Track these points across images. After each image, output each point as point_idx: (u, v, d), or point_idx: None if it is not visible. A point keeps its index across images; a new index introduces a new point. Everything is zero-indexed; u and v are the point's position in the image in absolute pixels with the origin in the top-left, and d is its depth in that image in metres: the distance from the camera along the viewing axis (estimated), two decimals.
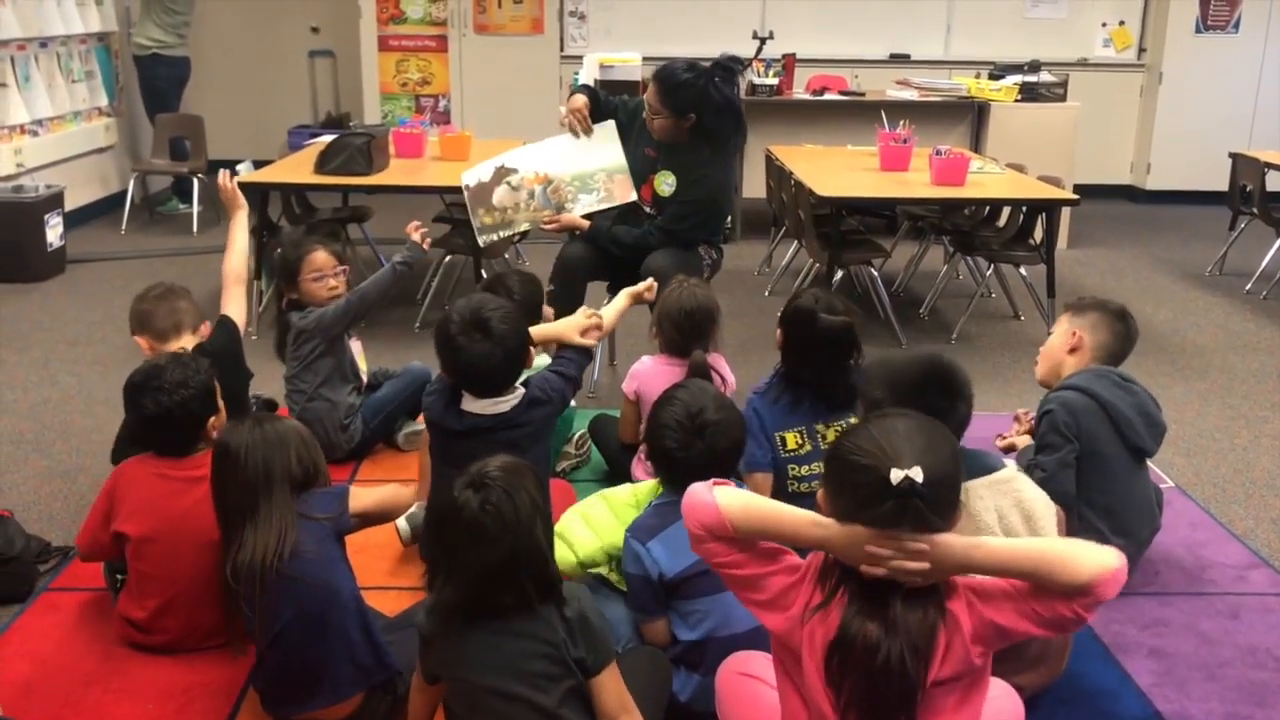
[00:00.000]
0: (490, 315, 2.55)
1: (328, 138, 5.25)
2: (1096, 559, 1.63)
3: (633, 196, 4.08)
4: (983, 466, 2.32)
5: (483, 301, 2.61)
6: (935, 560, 1.66)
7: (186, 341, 3.03)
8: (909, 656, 1.65)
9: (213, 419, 2.55)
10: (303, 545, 2.17)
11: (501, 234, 4.18)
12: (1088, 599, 1.63)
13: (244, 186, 4.84)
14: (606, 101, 4.20)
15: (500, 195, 4.14)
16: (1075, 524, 2.78)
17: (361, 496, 2.34)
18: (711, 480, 1.82)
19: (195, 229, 7.01)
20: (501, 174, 4.15)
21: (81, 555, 2.66)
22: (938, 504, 1.65)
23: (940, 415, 2.21)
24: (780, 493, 2.89)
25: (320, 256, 3.54)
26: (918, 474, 1.61)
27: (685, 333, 3.24)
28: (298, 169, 5.21)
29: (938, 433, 1.72)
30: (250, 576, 2.14)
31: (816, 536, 1.72)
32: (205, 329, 3.11)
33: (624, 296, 3.01)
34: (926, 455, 1.64)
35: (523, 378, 2.67)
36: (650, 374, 3.26)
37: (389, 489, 2.44)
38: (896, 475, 1.61)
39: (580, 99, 4.13)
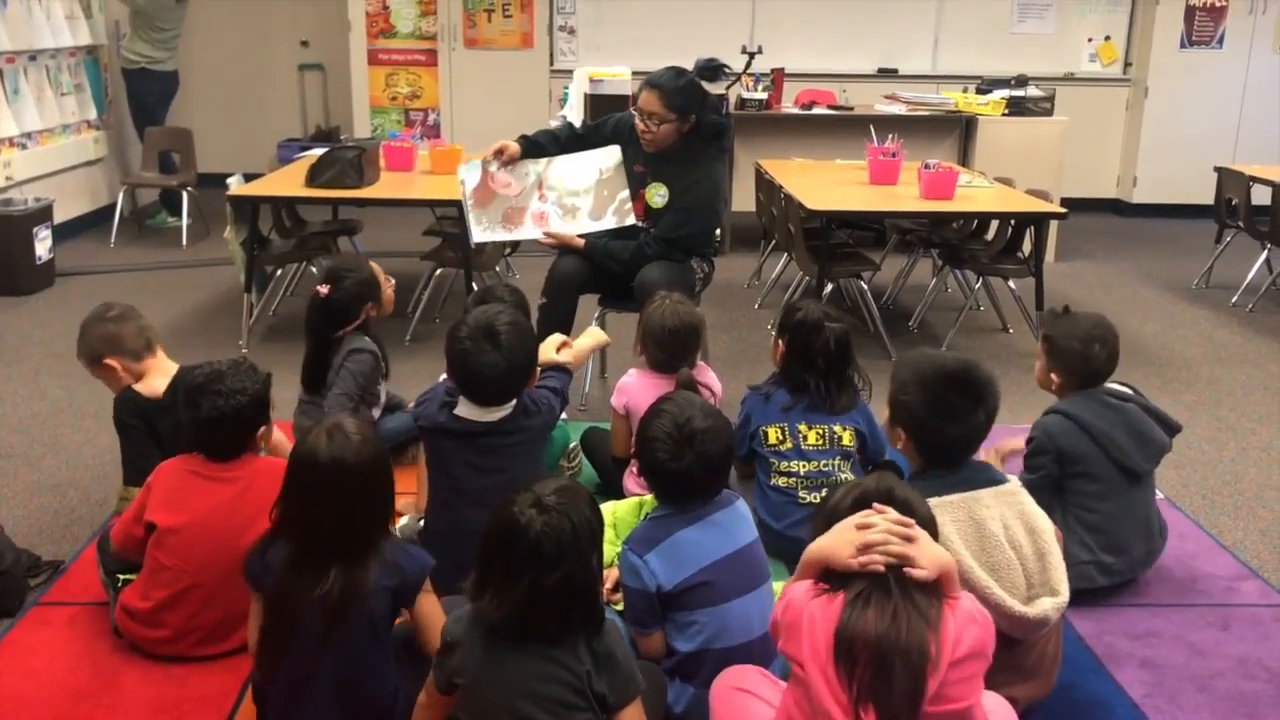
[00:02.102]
0: (502, 328, 2.59)
1: (318, 151, 5.25)
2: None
3: (630, 220, 4.10)
4: (988, 479, 2.36)
5: (498, 313, 2.63)
6: (920, 549, 1.74)
7: (160, 358, 3.04)
8: (913, 643, 1.68)
9: (262, 429, 2.57)
10: (371, 601, 2.09)
11: (496, 228, 4.17)
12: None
13: (234, 199, 4.87)
14: (582, 130, 4.25)
15: (498, 177, 4.14)
16: (1065, 537, 2.81)
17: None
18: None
19: (184, 242, 7.00)
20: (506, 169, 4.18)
21: (114, 548, 2.67)
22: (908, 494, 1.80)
23: (958, 415, 2.30)
24: (764, 485, 3.07)
25: (374, 264, 3.60)
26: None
27: (669, 351, 3.27)
28: (288, 182, 5.21)
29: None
30: (314, 613, 2.05)
31: (810, 554, 1.82)
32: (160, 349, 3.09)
33: (587, 346, 3.09)
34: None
35: None
36: (638, 387, 3.28)
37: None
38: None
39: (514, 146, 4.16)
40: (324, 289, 3.44)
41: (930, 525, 1.84)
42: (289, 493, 2.13)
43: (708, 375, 3.43)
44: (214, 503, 2.49)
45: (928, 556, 1.74)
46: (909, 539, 1.74)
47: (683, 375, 3.10)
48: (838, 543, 1.76)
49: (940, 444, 2.34)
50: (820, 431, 3.01)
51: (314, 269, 5.48)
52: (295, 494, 2.12)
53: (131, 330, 3.03)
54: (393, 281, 3.63)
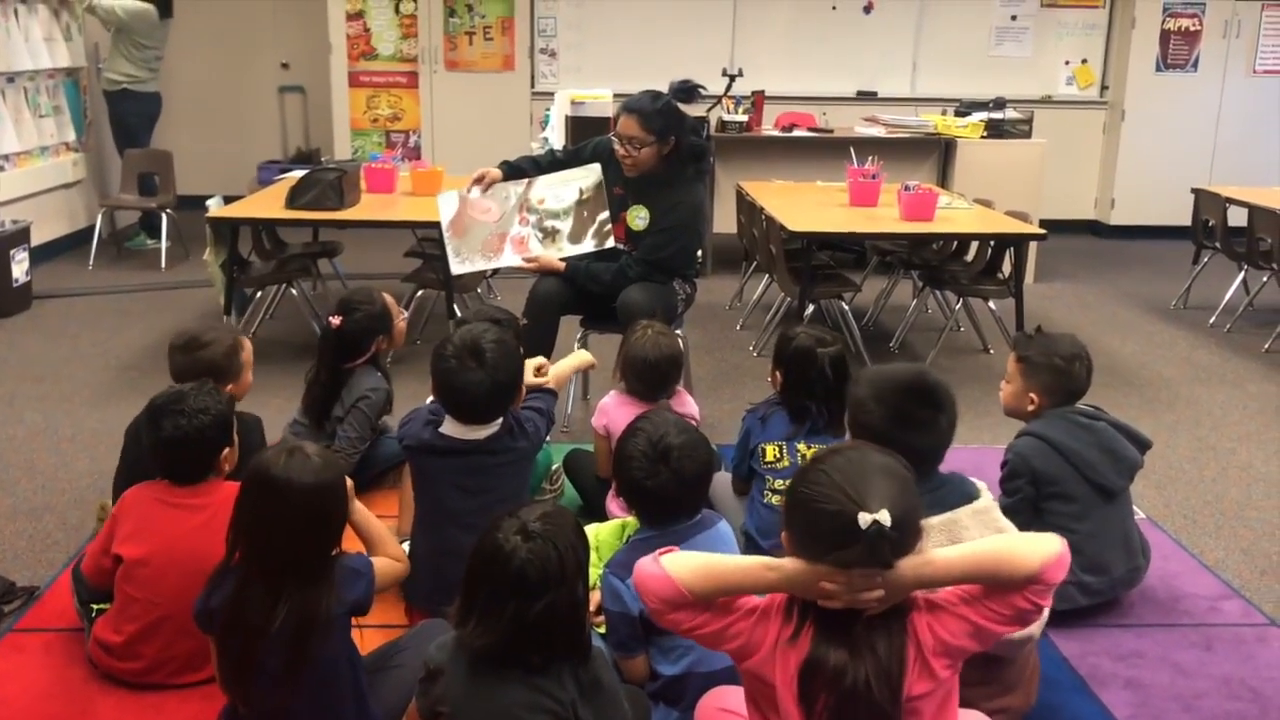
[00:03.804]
0: (487, 346, 2.59)
1: (298, 173, 5.24)
2: (1040, 548, 1.70)
3: (610, 242, 4.10)
4: (963, 494, 2.35)
5: (483, 331, 2.63)
6: (889, 586, 1.67)
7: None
8: (875, 682, 1.65)
9: (225, 450, 2.52)
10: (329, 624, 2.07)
11: (475, 258, 4.16)
12: (1039, 586, 1.69)
13: (214, 221, 4.85)
14: (558, 158, 4.26)
15: (478, 203, 4.13)
16: None
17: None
18: (656, 551, 1.81)
19: (163, 264, 6.96)
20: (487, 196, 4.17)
21: (87, 580, 2.62)
22: (903, 544, 1.66)
23: (921, 426, 2.28)
24: (758, 502, 3.04)
25: (388, 296, 3.57)
26: (885, 517, 1.60)
27: (649, 382, 3.29)
28: (268, 204, 5.19)
29: (896, 466, 1.72)
30: (279, 639, 2.02)
31: (771, 581, 1.73)
32: (248, 377, 3.06)
33: (569, 366, 3.11)
34: (891, 494, 1.63)
35: None
36: (617, 408, 3.28)
37: (379, 563, 2.32)
38: (865, 520, 1.60)
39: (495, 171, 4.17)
40: (335, 320, 3.42)
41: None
42: (242, 507, 2.09)
43: (687, 404, 3.43)
44: (181, 531, 2.44)
45: (893, 587, 1.68)
46: (874, 599, 1.67)
47: (662, 407, 3.11)
48: (803, 582, 1.69)
49: (909, 457, 2.31)
50: (819, 449, 2.99)
51: (294, 291, 5.45)
52: (247, 508, 2.08)
53: (197, 356, 2.96)
54: (405, 314, 3.61)
